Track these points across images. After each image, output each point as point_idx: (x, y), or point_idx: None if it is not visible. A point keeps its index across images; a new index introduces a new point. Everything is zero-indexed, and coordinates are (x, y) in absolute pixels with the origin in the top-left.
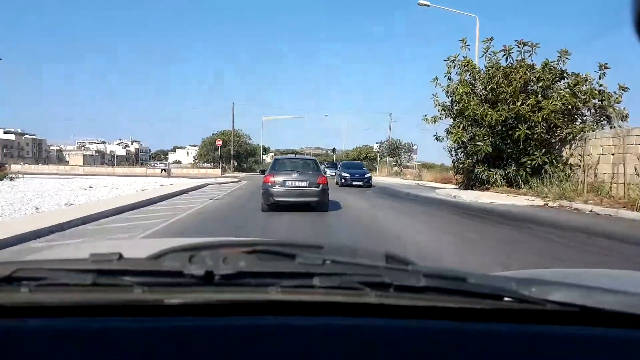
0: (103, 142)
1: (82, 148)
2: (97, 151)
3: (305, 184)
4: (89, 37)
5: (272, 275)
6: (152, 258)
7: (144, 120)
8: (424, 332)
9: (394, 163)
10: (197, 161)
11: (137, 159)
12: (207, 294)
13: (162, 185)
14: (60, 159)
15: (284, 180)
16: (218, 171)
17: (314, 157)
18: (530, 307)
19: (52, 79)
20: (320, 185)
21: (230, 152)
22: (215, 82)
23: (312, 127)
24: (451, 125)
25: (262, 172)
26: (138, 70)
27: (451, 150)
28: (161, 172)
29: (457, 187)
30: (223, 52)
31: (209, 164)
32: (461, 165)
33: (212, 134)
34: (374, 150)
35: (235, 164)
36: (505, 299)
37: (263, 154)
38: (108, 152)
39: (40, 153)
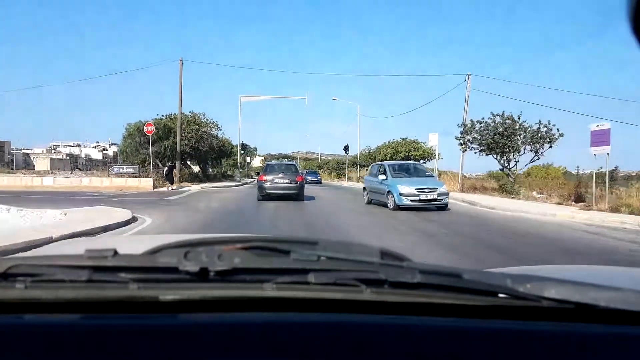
0: (78, 145)
1: (52, 151)
2: (69, 155)
3: (288, 181)
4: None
5: (267, 271)
6: (147, 254)
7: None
8: (419, 329)
9: (502, 166)
10: (122, 161)
11: (115, 162)
12: (202, 291)
13: None
14: (28, 163)
15: (273, 179)
16: (146, 182)
17: (294, 162)
18: (525, 304)
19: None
20: (298, 182)
21: (177, 148)
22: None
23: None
24: None
25: (257, 173)
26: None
27: None
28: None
29: None
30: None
31: (131, 170)
32: None
33: (155, 118)
34: (430, 145)
35: (197, 168)
36: (501, 295)
37: (242, 153)
38: (83, 155)
39: (3, 156)
